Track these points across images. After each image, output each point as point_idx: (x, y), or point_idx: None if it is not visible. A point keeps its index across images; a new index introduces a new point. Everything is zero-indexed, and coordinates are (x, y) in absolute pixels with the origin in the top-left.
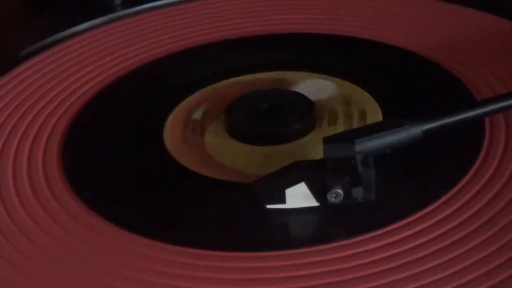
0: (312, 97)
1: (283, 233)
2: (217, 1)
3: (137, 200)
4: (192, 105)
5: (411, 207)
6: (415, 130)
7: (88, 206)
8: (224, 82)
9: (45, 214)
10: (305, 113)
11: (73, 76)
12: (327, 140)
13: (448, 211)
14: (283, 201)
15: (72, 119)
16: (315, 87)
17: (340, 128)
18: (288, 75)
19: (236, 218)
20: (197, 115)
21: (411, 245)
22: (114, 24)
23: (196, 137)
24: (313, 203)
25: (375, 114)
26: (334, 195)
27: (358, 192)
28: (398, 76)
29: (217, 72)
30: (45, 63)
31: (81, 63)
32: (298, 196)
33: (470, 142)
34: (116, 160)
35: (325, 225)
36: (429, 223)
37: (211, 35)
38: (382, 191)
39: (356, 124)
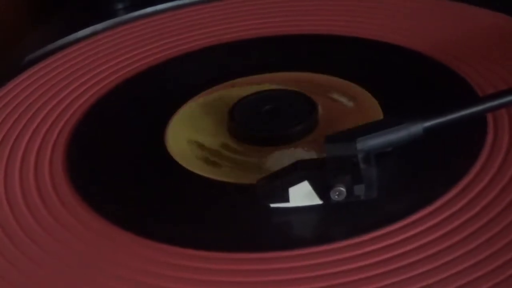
0: None
1: (285, 234)
2: (218, 5)
3: (141, 202)
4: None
5: (414, 206)
6: (416, 128)
7: (92, 208)
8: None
9: (49, 216)
10: (307, 112)
11: (77, 81)
12: (328, 139)
13: (452, 210)
14: (286, 200)
15: (78, 124)
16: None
17: None
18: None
19: (239, 220)
20: None
21: (414, 245)
22: (117, 29)
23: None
24: (317, 201)
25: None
26: (337, 193)
27: (360, 190)
28: (398, 74)
29: (220, 75)
30: (49, 69)
31: (85, 68)
32: (302, 195)
33: (473, 140)
34: (120, 163)
35: (327, 226)
36: (432, 222)
37: (213, 38)
38: (384, 190)
39: None
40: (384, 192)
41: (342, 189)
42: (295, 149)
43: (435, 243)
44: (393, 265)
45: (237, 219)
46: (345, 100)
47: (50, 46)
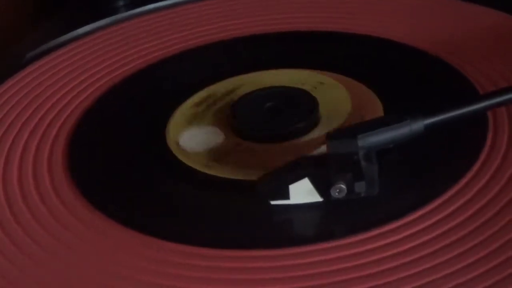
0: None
1: (285, 231)
2: (222, 0)
3: (142, 200)
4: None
5: (414, 203)
6: (417, 125)
7: (92, 205)
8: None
9: (49, 214)
10: (309, 110)
11: (78, 78)
12: (329, 136)
13: (452, 208)
14: (287, 197)
15: (78, 121)
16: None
17: None
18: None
19: (240, 217)
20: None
21: (414, 243)
22: (118, 26)
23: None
24: (317, 198)
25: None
26: (337, 190)
27: (360, 187)
28: (400, 71)
29: (220, 72)
30: (49, 66)
31: (86, 65)
32: (302, 192)
33: (473, 138)
34: (120, 161)
35: (326, 224)
36: (433, 219)
37: (215, 35)
38: (385, 188)
39: None
40: (384, 190)
41: (343, 186)
42: (207, 127)
43: (435, 242)
44: (393, 263)
45: (238, 216)
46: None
47: (50, 44)
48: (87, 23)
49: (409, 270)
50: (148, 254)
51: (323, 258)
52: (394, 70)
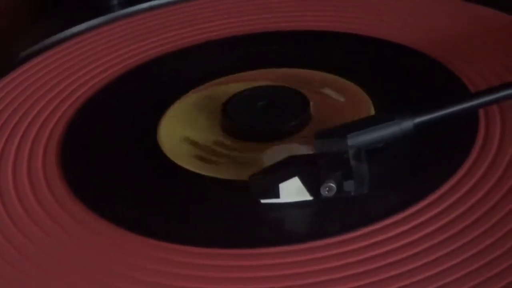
0: None
1: (276, 230)
2: (210, 0)
3: (135, 200)
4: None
5: (405, 202)
6: (407, 124)
7: (86, 206)
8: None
9: (44, 214)
10: (300, 109)
11: (71, 77)
12: (318, 135)
13: (444, 205)
14: (277, 195)
15: (71, 120)
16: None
17: None
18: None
19: (232, 216)
20: None
21: (406, 240)
22: (112, 24)
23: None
24: (307, 197)
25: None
26: (327, 189)
27: (349, 186)
28: (391, 70)
29: (213, 71)
30: (43, 65)
31: (79, 64)
32: (292, 191)
33: (465, 135)
34: (114, 160)
35: (318, 222)
36: (424, 217)
37: (207, 34)
38: (377, 186)
39: None
40: (374, 188)
41: (332, 185)
42: (290, 144)
43: (427, 239)
44: (387, 260)
45: (229, 215)
46: (336, 94)
47: (43, 43)
48: (80, 22)
49: (401, 268)
50: (146, 253)
51: (315, 256)
52: (386, 69)
